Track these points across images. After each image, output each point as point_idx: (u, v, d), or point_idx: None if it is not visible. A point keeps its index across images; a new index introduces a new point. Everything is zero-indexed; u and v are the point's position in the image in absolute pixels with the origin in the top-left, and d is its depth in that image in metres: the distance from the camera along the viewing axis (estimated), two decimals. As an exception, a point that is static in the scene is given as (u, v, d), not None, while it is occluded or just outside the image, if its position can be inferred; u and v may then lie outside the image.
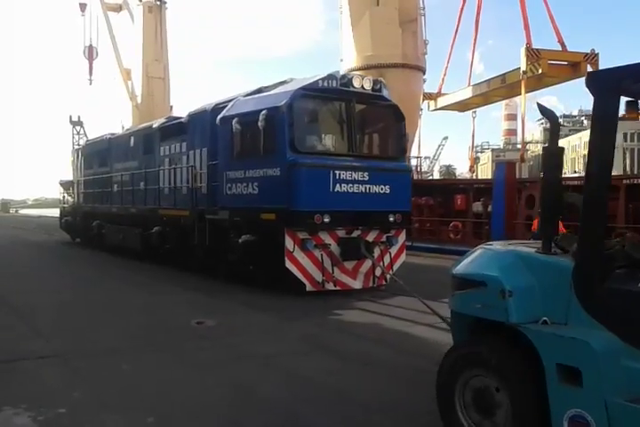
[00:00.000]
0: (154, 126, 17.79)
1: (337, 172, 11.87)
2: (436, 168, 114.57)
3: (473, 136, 37.76)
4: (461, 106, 34.96)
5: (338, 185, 11.89)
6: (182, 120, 16.27)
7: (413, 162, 31.24)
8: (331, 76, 12.13)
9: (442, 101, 34.25)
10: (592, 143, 3.84)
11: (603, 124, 3.82)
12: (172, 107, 43.10)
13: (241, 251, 12.76)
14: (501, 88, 30.88)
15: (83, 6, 44.87)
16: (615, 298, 3.69)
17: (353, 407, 5.75)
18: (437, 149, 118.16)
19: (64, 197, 28.00)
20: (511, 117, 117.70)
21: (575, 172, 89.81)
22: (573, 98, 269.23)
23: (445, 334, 8.41)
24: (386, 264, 12.69)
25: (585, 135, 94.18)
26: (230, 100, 13.99)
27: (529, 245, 4.58)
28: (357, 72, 21.84)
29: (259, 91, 13.80)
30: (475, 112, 35.64)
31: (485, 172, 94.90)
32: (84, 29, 45.16)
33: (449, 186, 28.04)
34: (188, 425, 5.39)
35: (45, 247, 25.37)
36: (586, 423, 3.53)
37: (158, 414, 5.56)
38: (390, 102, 13.08)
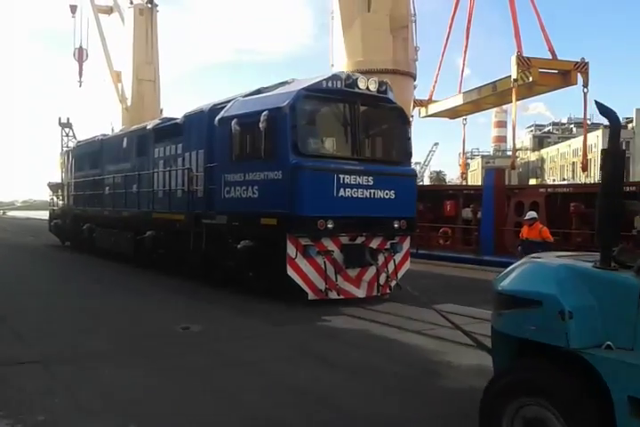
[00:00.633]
0: (148, 127, 17.26)
1: (341, 176, 11.42)
2: (427, 174, 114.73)
3: (464, 143, 37.74)
4: (452, 113, 34.96)
5: (342, 190, 11.43)
6: (178, 121, 15.76)
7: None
8: (335, 77, 11.69)
9: (433, 108, 34.26)
10: None
11: None
12: (162, 110, 42.59)
13: (239, 257, 12.27)
14: (492, 96, 31.16)
15: (73, 8, 44.35)
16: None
17: (339, 415, 5.67)
18: (428, 155, 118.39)
19: (52, 199, 27.45)
20: (501, 124, 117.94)
21: (564, 179, 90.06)
22: (561, 105, 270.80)
23: (432, 341, 8.79)
24: (390, 272, 12.24)
25: (574, 143, 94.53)
26: (229, 101, 13.52)
27: (580, 259, 4.12)
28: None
29: (258, 91, 13.34)
30: (465, 119, 35.75)
31: (475, 178, 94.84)
32: (74, 31, 44.70)
33: (439, 192, 27.79)
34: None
35: (32, 250, 24.85)
36: None
37: (140, 420, 5.46)
38: (395, 105, 12.65)
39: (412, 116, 32.42)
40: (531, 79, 26.92)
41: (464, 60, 34.08)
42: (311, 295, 11.37)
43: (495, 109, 73.98)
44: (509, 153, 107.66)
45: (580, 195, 19.61)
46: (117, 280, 15.46)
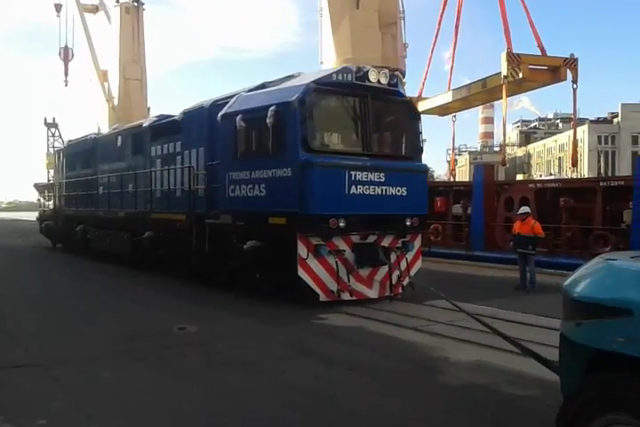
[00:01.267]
0: (144, 125, 16.76)
1: (352, 172, 11.00)
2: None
3: (453, 140, 38.20)
4: (442, 110, 34.75)
5: (353, 187, 11.02)
6: (176, 118, 15.27)
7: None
8: (346, 69, 11.27)
9: (422, 105, 33.92)
10: None
11: None
12: (149, 108, 42.19)
13: (246, 258, 11.83)
14: (482, 92, 31.08)
15: (58, 7, 43.90)
16: None
17: (340, 413, 5.67)
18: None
19: (39, 200, 26.87)
20: (488, 120, 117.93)
21: (551, 174, 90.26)
22: (545, 99, 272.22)
23: (430, 337, 8.78)
24: (402, 271, 11.85)
25: (560, 138, 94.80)
26: (231, 97, 13.05)
27: None
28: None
29: (262, 86, 12.90)
30: (455, 116, 35.61)
31: (463, 174, 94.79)
32: (59, 30, 44.23)
33: (429, 188, 27.46)
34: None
35: (22, 252, 24.26)
36: None
37: (142, 423, 5.45)
38: (405, 98, 12.25)
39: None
40: (521, 76, 26.66)
41: (453, 57, 33.74)
42: (322, 297, 10.96)
43: (482, 105, 73.99)
44: (497, 149, 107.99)
45: (569, 190, 19.66)
46: (113, 282, 15.16)
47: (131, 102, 40.34)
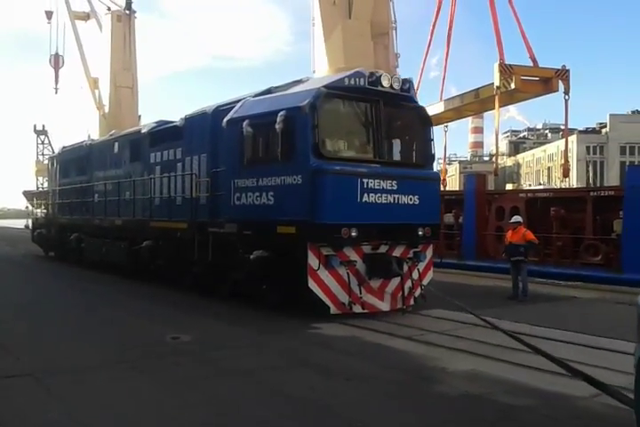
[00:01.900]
0: (143, 131, 16.31)
1: (365, 180, 10.63)
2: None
3: (445, 149, 37.91)
4: (434, 120, 34.49)
5: (366, 195, 10.65)
6: (177, 124, 14.83)
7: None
8: (358, 74, 10.90)
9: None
10: None
11: None
12: (140, 116, 41.88)
13: (252, 268, 11.43)
14: (474, 103, 31.28)
15: (49, 14, 43.69)
16: None
17: (338, 424, 5.64)
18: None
19: (27, 207, 26.33)
20: (478, 130, 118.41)
21: (540, 184, 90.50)
22: (533, 109, 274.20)
23: (424, 347, 8.73)
24: (414, 282, 11.47)
25: (549, 148, 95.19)
26: (236, 102, 12.67)
27: None
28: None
29: (268, 91, 12.52)
30: (447, 126, 35.63)
31: (453, 183, 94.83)
32: (49, 37, 44.02)
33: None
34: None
35: (11, 261, 23.73)
36: None
37: None
38: (417, 104, 11.91)
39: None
40: (513, 86, 27.12)
41: (445, 67, 33.77)
42: (333, 310, 10.55)
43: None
44: (486, 158, 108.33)
45: (559, 199, 19.81)
46: (107, 291, 14.85)
47: (121, 110, 40.11)
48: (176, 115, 15.04)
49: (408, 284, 11.32)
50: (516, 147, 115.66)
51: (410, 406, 6.12)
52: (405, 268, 11.32)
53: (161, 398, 6.36)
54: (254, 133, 11.32)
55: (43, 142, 45.62)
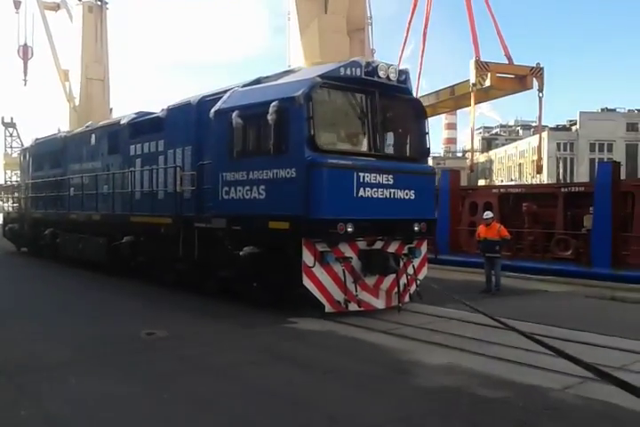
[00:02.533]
0: (122, 122, 15.65)
1: (361, 174, 10.24)
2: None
3: None
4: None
5: (362, 189, 10.25)
6: (159, 115, 14.26)
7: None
8: (354, 63, 10.47)
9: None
10: None
11: None
12: (111, 109, 41.17)
13: (242, 265, 10.99)
14: (450, 100, 31.39)
15: (17, 3, 42.60)
16: None
17: (316, 418, 5.64)
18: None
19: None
20: (451, 127, 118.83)
21: (512, 180, 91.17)
22: (505, 105, 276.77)
23: (400, 340, 8.82)
24: (409, 279, 11.14)
25: (521, 144, 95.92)
26: (223, 92, 12.18)
27: None
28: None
29: (257, 81, 12.03)
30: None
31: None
32: (18, 27, 42.90)
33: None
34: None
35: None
36: None
37: None
38: (413, 96, 11.56)
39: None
40: (489, 84, 27.64)
41: (421, 65, 33.86)
42: (328, 308, 10.17)
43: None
44: (459, 154, 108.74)
45: (531, 195, 20.08)
46: (82, 287, 14.64)
47: (92, 103, 39.55)
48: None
49: (403, 280, 10.97)
50: (489, 143, 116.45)
51: (387, 400, 6.17)
52: (401, 264, 10.97)
53: (136, 395, 6.26)
54: (244, 125, 10.89)
55: (11, 135, 44.53)
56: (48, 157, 20.42)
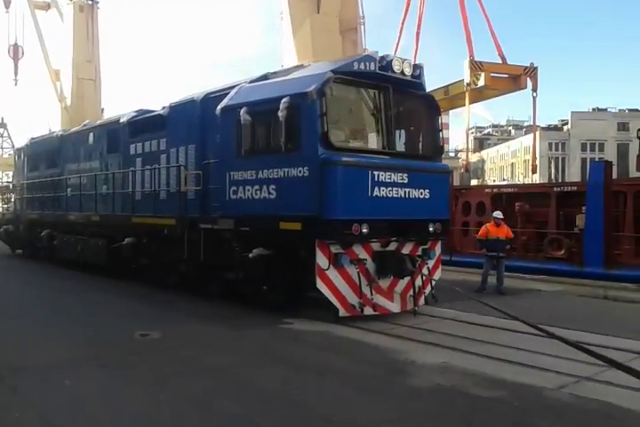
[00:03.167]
0: (122, 120, 15.21)
1: (375, 172, 9.87)
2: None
3: None
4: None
5: (376, 188, 9.88)
6: (160, 113, 13.85)
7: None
8: (368, 58, 10.10)
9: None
10: None
11: None
12: (103, 109, 40.71)
13: (251, 267, 10.63)
14: (444, 99, 31.25)
15: (7, 2, 41.99)
16: None
17: (313, 419, 5.62)
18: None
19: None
20: (444, 126, 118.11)
21: (504, 179, 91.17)
22: (497, 105, 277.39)
23: (395, 340, 8.82)
24: (424, 281, 10.78)
25: (513, 144, 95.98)
26: (228, 88, 11.80)
27: None
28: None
29: (264, 77, 11.65)
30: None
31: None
32: (8, 27, 42.36)
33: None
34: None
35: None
36: None
37: None
38: (426, 92, 11.21)
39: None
40: (483, 83, 27.40)
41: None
42: (342, 312, 9.81)
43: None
44: (452, 154, 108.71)
45: (524, 195, 20.10)
46: (78, 289, 14.25)
47: (84, 103, 38.94)
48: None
49: (418, 283, 10.62)
50: (481, 143, 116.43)
51: (382, 400, 6.17)
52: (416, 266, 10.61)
53: (131, 396, 6.22)
54: (253, 122, 10.50)
55: (2, 135, 43.92)
56: (44, 156, 19.93)
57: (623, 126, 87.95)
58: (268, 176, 10.32)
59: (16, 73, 43.17)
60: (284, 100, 9.81)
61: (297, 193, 9.84)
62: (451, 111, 38.52)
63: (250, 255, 10.43)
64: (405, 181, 10.28)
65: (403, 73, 10.38)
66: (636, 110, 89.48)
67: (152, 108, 15.04)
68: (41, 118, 52.79)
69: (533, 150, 37.92)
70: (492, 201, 20.36)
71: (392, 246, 10.37)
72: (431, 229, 10.75)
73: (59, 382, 6.56)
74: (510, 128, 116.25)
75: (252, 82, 11.51)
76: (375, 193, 9.86)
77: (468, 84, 27.15)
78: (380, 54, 10.25)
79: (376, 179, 9.86)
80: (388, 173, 10.01)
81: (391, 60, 10.19)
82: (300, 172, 9.80)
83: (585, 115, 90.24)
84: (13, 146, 44.95)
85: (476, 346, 8.37)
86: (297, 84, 10.15)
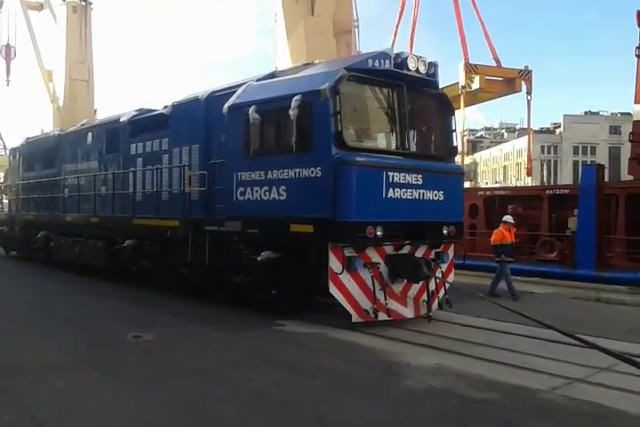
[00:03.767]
0: (122, 119, 14.82)
1: (390, 173, 9.55)
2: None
3: None
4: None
5: (391, 190, 9.56)
6: (163, 111, 13.51)
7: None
8: (383, 55, 9.76)
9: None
10: None
11: None
12: (96, 110, 40.39)
13: (259, 271, 10.29)
14: None
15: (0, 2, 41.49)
16: None
17: (306, 420, 5.60)
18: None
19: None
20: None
21: (496, 182, 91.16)
22: (491, 108, 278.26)
23: (388, 342, 8.83)
24: (437, 285, 10.47)
25: (505, 147, 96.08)
26: (235, 86, 11.49)
27: None
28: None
29: (272, 75, 11.34)
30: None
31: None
32: (0, 27, 41.94)
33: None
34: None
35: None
36: None
37: None
38: (440, 91, 10.90)
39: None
40: (478, 86, 27.62)
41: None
42: (355, 317, 9.47)
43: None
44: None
45: (517, 197, 20.14)
46: (72, 291, 14.06)
47: (77, 104, 38.80)
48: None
49: (431, 287, 10.30)
50: (474, 145, 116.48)
51: (376, 402, 6.15)
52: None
53: (122, 398, 6.19)
54: (262, 121, 10.18)
55: (-6, 136, 43.25)
56: (40, 156, 19.49)
57: (615, 130, 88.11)
58: (278, 177, 9.99)
59: (8, 73, 42.92)
60: (295, 98, 9.50)
61: (309, 194, 9.52)
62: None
63: (258, 258, 10.09)
64: (420, 183, 9.97)
65: (418, 71, 10.06)
66: (629, 114, 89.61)
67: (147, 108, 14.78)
68: (34, 119, 52.35)
69: (529, 153, 37.84)
70: (485, 204, 20.43)
71: (405, 250, 10.06)
72: (445, 231, 10.43)
73: (50, 384, 6.53)
74: (503, 131, 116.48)
75: (259, 80, 11.20)
76: (390, 194, 9.55)
77: (463, 87, 27.20)
78: (395, 51, 9.94)
79: (391, 180, 9.55)
80: (402, 174, 9.70)
81: (406, 58, 9.87)
82: (312, 172, 9.48)
83: (577, 118, 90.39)
84: (5, 147, 44.42)
85: (469, 348, 8.40)
86: (309, 81, 9.83)
